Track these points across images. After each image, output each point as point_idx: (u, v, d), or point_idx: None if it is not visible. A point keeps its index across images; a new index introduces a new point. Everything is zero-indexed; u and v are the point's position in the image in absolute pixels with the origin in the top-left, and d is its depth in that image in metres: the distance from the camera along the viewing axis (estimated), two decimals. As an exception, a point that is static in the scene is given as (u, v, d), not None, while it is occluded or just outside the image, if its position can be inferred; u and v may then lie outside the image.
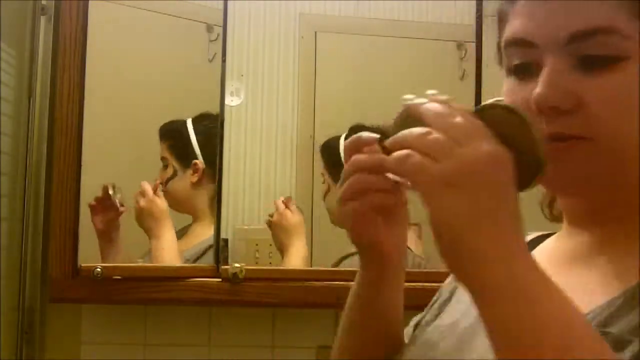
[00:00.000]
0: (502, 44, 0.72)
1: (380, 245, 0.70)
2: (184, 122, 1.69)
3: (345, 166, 0.66)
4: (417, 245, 1.69)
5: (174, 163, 1.69)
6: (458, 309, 0.73)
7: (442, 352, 0.71)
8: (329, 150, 1.70)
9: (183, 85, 1.75)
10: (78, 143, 1.56)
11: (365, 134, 0.66)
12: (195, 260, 1.65)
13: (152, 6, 1.71)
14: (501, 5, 0.73)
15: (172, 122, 1.70)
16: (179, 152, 1.69)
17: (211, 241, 1.63)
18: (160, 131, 1.69)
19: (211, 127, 1.65)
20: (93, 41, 1.58)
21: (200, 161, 1.68)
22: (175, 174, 1.68)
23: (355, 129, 1.71)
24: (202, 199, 1.70)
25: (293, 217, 1.68)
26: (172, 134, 1.69)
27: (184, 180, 1.69)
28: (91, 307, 1.65)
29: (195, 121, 1.70)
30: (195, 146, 1.68)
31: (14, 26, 1.59)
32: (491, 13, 1.67)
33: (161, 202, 1.62)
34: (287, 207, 1.68)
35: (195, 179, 1.68)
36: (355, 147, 0.66)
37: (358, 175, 0.65)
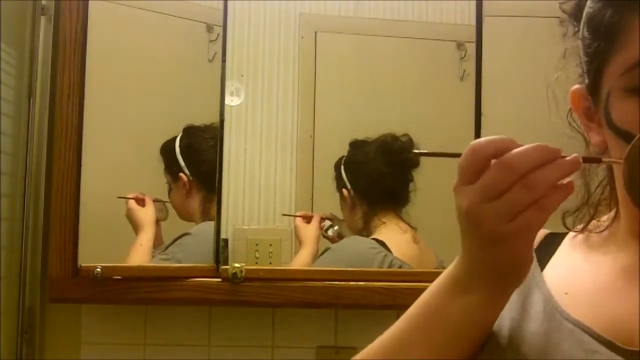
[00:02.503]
0: (628, 63, 0.66)
1: (530, 263, 0.66)
2: (174, 139, 1.73)
3: (498, 173, 0.60)
4: (412, 249, 1.69)
5: (168, 179, 1.74)
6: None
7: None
8: (166, 151, 1.73)
9: (183, 85, 1.75)
10: (78, 143, 1.56)
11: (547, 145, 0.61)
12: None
13: (152, 6, 1.71)
14: (605, 16, 0.68)
15: (165, 142, 1.74)
16: (169, 168, 1.74)
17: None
18: (160, 153, 1.75)
19: (195, 139, 1.73)
20: (93, 41, 1.58)
21: (184, 174, 1.72)
22: (170, 187, 1.74)
23: (355, 144, 1.73)
24: (195, 207, 1.73)
25: (304, 229, 1.71)
26: (164, 153, 1.74)
27: (178, 193, 1.73)
28: (91, 307, 1.65)
29: (182, 136, 1.73)
30: (179, 160, 1.72)
31: (14, 26, 1.59)
32: (493, 13, 1.68)
33: (140, 211, 1.68)
34: (309, 221, 1.71)
35: (184, 190, 1.72)
36: (501, 151, 0.61)
37: (548, 179, 0.60)
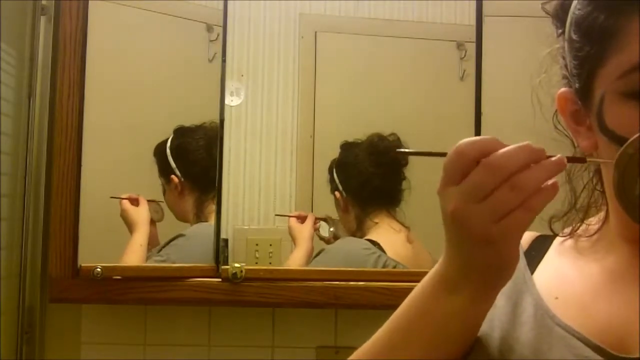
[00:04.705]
0: (625, 67, 0.65)
1: (516, 262, 0.65)
2: (165, 141, 1.73)
3: (484, 174, 0.59)
4: (406, 249, 1.69)
5: (162, 180, 1.74)
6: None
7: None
8: (158, 153, 1.73)
9: (183, 85, 1.75)
10: (78, 143, 1.56)
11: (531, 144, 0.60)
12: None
13: (152, 6, 1.71)
14: (597, 19, 0.67)
15: (157, 144, 1.74)
16: (162, 170, 1.74)
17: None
18: (153, 154, 1.74)
19: (185, 140, 1.73)
20: (93, 41, 1.58)
21: (175, 175, 1.72)
22: (164, 189, 1.74)
23: (345, 146, 1.73)
24: (189, 208, 1.73)
25: (298, 229, 1.70)
26: (157, 155, 1.74)
27: (171, 194, 1.74)
28: (91, 307, 1.65)
29: (172, 138, 1.73)
30: (170, 162, 1.72)
31: (14, 26, 1.58)
32: (492, 13, 1.68)
33: (134, 211, 1.68)
34: (303, 221, 1.71)
35: (176, 192, 1.73)
36: (486, 152, 0.60)
37: (534, 180, 0.59)
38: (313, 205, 1.74)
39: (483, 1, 1.67)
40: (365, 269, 1.63)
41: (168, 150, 1.72)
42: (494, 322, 0.72)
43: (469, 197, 0.60)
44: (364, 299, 1.56)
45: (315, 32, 1.79)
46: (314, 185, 1.75)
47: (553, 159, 0.60)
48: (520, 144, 0.60)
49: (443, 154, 0.62)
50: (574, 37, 0.70)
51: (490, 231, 0.60)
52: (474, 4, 1.68)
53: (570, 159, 0.63)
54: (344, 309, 1.63)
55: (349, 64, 1.81)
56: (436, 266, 0.68)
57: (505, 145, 0.60)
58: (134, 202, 1.68)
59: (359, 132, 1.73)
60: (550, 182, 0.60)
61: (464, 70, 1.73)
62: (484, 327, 0.71)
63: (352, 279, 1.58)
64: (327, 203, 1.74)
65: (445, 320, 0.67)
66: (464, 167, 0.61)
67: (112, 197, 1.66)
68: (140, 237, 1.67)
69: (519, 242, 0.63)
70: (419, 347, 0.68)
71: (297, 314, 1.65)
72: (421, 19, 1.79)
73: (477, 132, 1.63)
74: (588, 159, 0.68)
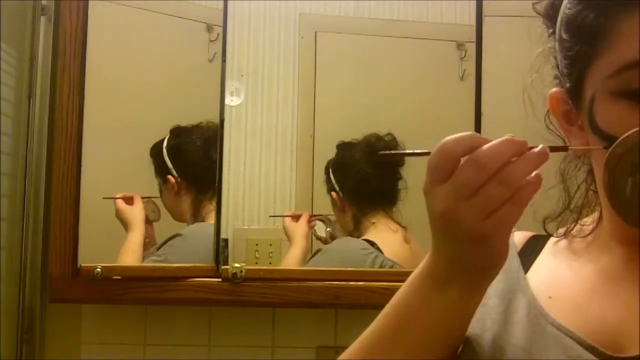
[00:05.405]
0: (615, 65, 0.64)
1: (506, 255, 0.64)
2: (162, 141, 1.73)
3: (472, 171, 0.59)
4: (403, 249, 1.69)
5: (159, 180, 1.74)
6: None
7: None
8: (155, 153, 1.73)
9: (183, 85, 1.75)
10: (78, 143, 1.56)
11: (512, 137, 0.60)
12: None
13: (152, 6, 1.71)
14: (587, 18, 0.67)
15: (154, 144, 1.74)
16: (158, 170, 1.74)
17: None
18: (149, 154, 1.74)
19: (182, 140, 1.73)
20: (93, 41, 1.58)
21: (171, 176, 1.72)
22: (161, 189, 1.74)
23: (341, 146, 1.73)
24: (186, 208, 1.73)
25: (293, 227, 1.70)
26: (153, 155, 1.74)
27: (168, 194, 1.74)
28: (91, 307, 1.65)
29: (169, 138, 1.73)
30: (167, 162, 1.72)
31: (14, 26, 1.59)
32: (492, 13, 1.68)
33: (129, 210, 1.68)
34: (296, 219, 1.71)
35: (173, 192, 1.73)
36: (471, 148, 0.60)
37: (521, 172, 0.59)
38: (313, 205, 1.74)
39: (483, 1, 1.67)
40: (365, 269, 1.63)
41: (164, 150, 1.72)
42: (486, 322, 0.71)
43: (457, 195, 0.60)
44: (364, 299, 1.56)
45: (315, 32, 1.79)
46: (314, 185, 1.75)
47: (536, 150, 0.60)
48: (503, 138, 0.60)
49: (427, 153, 0.62)
50: (565, 36, 0.69)
51: (481, 227, 0.60)
52: (474, 4, 1.68)
53: (553, 149, 0.62)
54: (344, 309, 1.63)
55: (349, 64, 1.81)
56: (423, 264, 0.69)
57: (487, 141, 0.60)
58: (129, 201, 1.68)
59: (358, 132, 1.73)
60: (533, 173, 0.61)
61: (464, 70, 1.73)
62: (476, 328, 0.71)
63: (352, 279, 1.58)
64: (326, 203, 1.74)
65: (435, 317, 0.67)
66: (449, 165, 0.61)
67: (104, 198, 1.66)
68: (136, 236, 1.66)
69: (509, 236, 0.63)
70: (409, 346, 0.68)
71: (297, 314, 1.65)
72: (421, 19, 1.79)
73: (477, 132, 1.63)
74: (570, 147, 0.68)
